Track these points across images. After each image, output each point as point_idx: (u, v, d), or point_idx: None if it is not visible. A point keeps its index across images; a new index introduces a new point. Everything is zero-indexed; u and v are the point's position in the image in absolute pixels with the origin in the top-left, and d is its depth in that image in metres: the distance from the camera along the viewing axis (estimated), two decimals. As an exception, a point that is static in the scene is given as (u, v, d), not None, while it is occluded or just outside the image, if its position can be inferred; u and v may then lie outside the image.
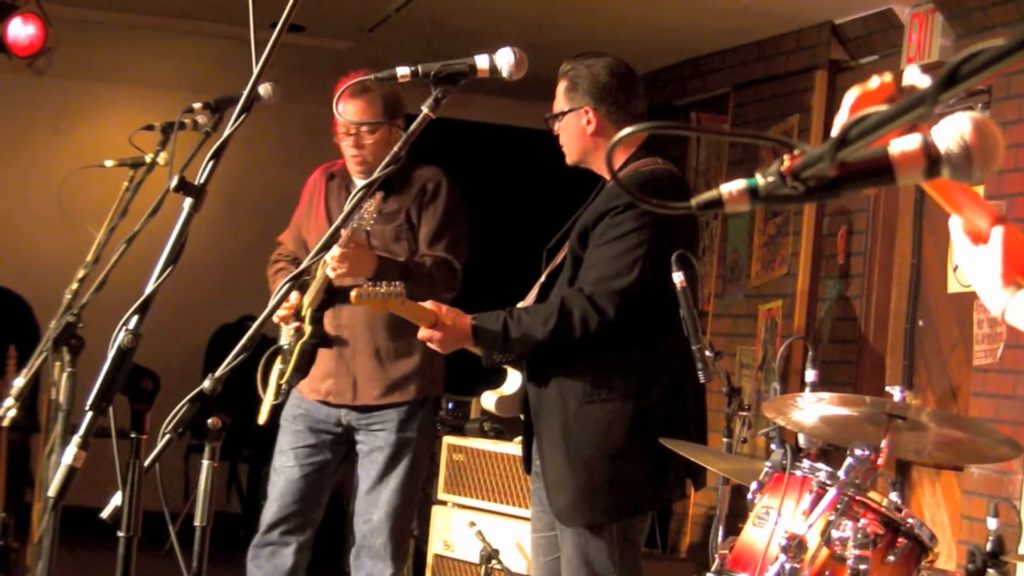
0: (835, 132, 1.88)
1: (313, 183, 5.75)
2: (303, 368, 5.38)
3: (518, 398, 4.66)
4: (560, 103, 4.61)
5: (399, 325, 5.36)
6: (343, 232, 5.02)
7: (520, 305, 4.61)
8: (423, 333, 4.51)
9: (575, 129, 4.58)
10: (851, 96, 1.84)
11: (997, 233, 1.98)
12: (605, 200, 4.49)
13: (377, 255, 5.26)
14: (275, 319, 5.41)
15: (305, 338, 5.38)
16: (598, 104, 4.54)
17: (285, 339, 5.44)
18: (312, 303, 5.40)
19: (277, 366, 5.42)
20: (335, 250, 5.13)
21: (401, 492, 5.46)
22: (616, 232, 4.41)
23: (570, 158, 4.63)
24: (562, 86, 4.61)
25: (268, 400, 5.40)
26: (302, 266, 2.80)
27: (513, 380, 4.71)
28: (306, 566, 5.59)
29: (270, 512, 5.51)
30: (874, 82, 1.83)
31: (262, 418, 5.43)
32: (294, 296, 5.39)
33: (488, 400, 4.76)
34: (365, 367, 5.48)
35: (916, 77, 1.76)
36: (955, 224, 2.01)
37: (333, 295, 5.42)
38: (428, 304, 4.51)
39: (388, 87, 5.39)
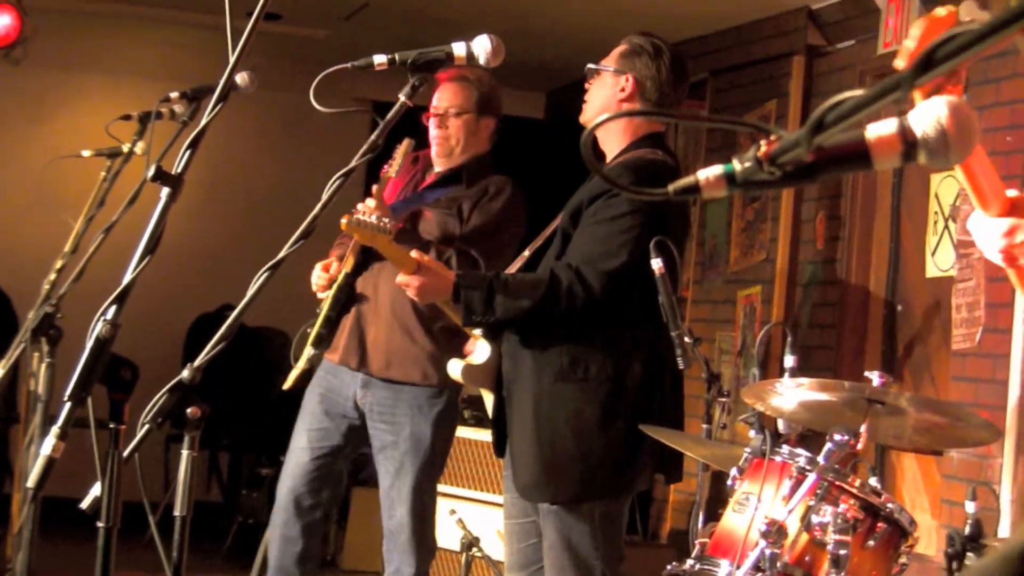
0: (902, 63, 1.93)
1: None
2: (328, 334, 5.20)
3: (486, 369, 4.63)
4: (609, 60, 4.57)
5: (425, 308, 5.26)
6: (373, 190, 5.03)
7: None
8: (402, 279, 4.48)
9: (608, 90, 4.53)
10: (918, 27, 1.89)
11: None
12: (601, 181, 4.46)
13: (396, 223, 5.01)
14: (314, 288, 5.31)
15: (330, 302, 5.20)
16: (643, 79, 4.52)
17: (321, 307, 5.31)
18: (348, 267, 5.24)
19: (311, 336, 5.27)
20: (369, 201, 5.02)
21: (418, 489, 5.33)
22: (609, 213, 4.39)
23: (586, 115, 4.56)
24: (621, 48, 4.57)
25: (299, 366, 5.21)
26: (282, 253, 2.78)
27: (482, 351, 4.68)
28: (318, 546, 5.54)
29: (281, 492, 5.43)
30: (941, 11, 1.87)
31: (287, 384, 5.27)
32: (333, 267, 5.30)
33: (455, 368, 4.72)
34: (377, 335, 5.34)
35: (973, 12, 1.80)
36: (981, 215, 2.06)
37: (368, 257, 5.26)
38: (413, 253, 4.49)
39: (488, 82, 5.37)
